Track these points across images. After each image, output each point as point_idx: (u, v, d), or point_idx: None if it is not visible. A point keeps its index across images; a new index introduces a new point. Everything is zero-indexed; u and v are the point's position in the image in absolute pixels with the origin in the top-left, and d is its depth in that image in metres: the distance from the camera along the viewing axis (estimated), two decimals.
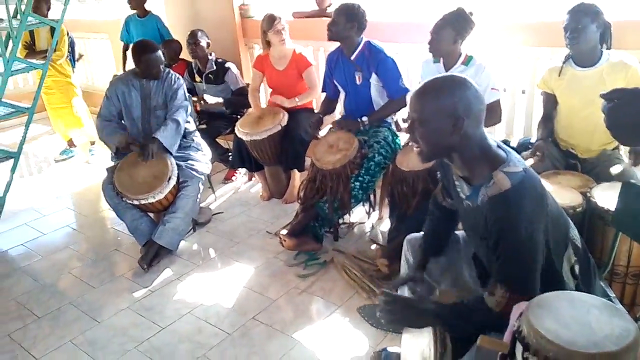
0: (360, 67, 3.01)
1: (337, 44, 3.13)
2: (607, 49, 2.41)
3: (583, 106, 2.43)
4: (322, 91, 3.42)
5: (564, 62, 2.47)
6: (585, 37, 2.31)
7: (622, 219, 1.85)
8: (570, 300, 1.22)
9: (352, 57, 3.02)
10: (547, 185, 2.22)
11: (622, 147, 2.48)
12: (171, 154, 3.12)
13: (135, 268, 3.01)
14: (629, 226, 1.83)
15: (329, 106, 3.37)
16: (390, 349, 2.18)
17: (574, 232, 1.63)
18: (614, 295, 1.73)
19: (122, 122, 3.29)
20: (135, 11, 4.55)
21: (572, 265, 1.57)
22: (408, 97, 2.93)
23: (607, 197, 2.11)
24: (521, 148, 2.86)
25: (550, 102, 2.63)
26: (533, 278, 1.43)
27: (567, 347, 1.07)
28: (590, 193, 2.18)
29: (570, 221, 1.65)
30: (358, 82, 3.05)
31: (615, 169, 2.38)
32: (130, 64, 3.92)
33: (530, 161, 2.41)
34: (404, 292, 1.94)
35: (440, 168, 1.78)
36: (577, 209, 2.10)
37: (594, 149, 2.49)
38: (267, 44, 3.54)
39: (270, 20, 3.43)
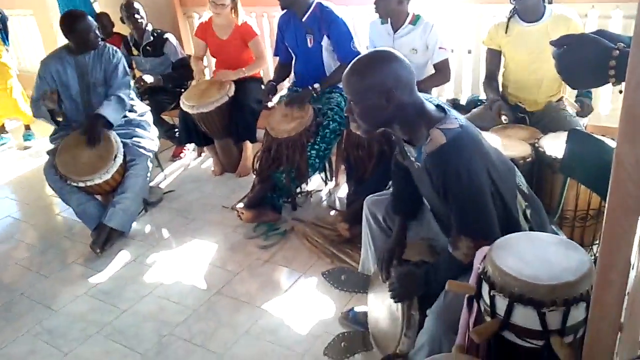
0: (311, 29, 2.95)
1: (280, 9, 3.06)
2: (549, 3, 2.47)
3: (530, 60, 2.49)
4: (275, 55, 3.34)
5: (509, 18, 2.51)
6: None
7: (569, 165, 1.94)
8: (529, 239, 1.28)
9: (304, 19, 2.95)
10: (498, 138, 2.30)
11: (565, 98, 2.57)
12: (112, 125, 2.98)
13: (88, 253, 2.90)
14: (576, 171, 1.92)
15: (282, 72, 3.29)
16: (357, 309, 2.22)
17: (521, 180, 1.70)
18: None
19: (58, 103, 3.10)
20: None
21: (524, 210, 1.64)
22: None
23: (554, 146, 2.19)
24: (470, 105, 2.93)
25: (495, 60, 2.68)
26: (490, 222, 1.49)
27: (530, 281, 1.12)
28: (538, 143, 2.26)
29: (517, 169, 1.72)
30: (310, 45, 2.99)
31: (563, 119, 2.47)
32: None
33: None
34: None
35: (387, 140, 1.81)
36: (527, 159, 2.17)
37: (541, 101, 2.57)
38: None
39: None
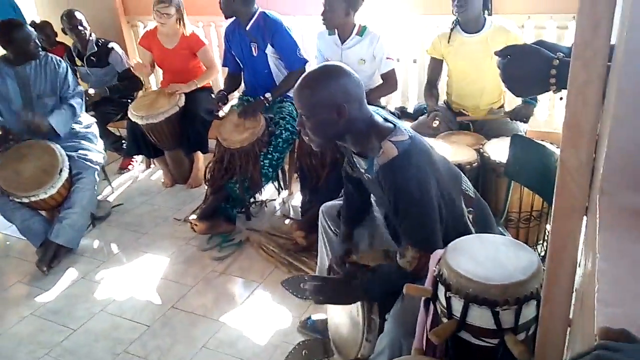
0: (255, 38, 2.97)
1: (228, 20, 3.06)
2: (488, 14, 2.60)
3: (471, 70, 2.62)
4: (224, 66, 3.32)
5: (451, 29, 2.62)
6: (471, 5, 2.47)
7: (513, 169, 2.04)
8: (480, 241, 1.34)
9: (248, 28, 2.97)
10: (445, 145, 2.39)
11: (506, 105, 2.71)
12: (59, 137, 2.90)
13: (34, 272, 2.78)
14: (519, 174, 2.03)
15: (232, 82, 3.28)
16: (315, 317, 2.24)
17: (466, 185, 1.78)
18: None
19: None
20: None
21: (468, 215, 1.72)
22: (307, 69, 2.97)
23: (498, 151, 2.30)
24: (417, 113, 3.03)
25: (437, 69, 2.80)
26: (435, 235, 1.55)
27: (484, 282, 1.18)
28: (483, 149, 2.37)
29: (462, 174, 1.80)
30: (255, 54, 3.01)
31: (503, 126, 2.59)
32: None
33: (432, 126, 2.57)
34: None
35: (337, 148, 1.85)
36: (473, 164, 2.26)
37: (483, 108, 2.70)
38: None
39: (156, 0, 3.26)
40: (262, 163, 2.86)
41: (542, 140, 2.10)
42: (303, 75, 1.59)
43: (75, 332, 2.33)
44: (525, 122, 2.58)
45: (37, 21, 4.00)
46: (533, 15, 2.86)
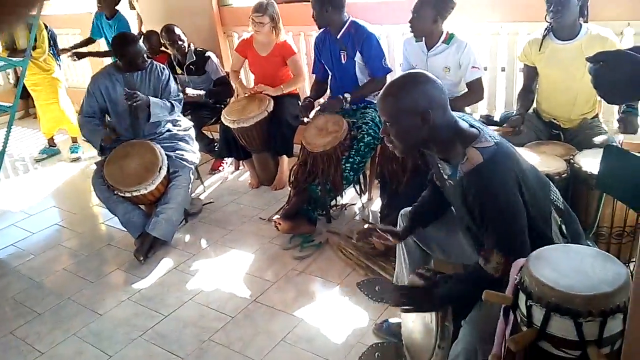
0: (345, 46, 3.07)
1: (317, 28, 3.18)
2: (584, 21, 2.50)
3: (563, 78, 2.52)
4: (313, 73, 3.45)
5: (544, 36, 2.54)
6: (568, 10, 2.38)
7: (605, 181, 1.95)
8: (565, 251, 1.31)
9: (338, 36, 3.08)
10: (533, 154, 2.33)
11: (601, 115, 2.58)
12: (155, 135, 3.16)
13: (131, 261, 3.03)
14: (612, 187, 1.93)
15: (319, 89, 3.41)
16: (391, 320, 2.26)
17: (556, 195, 1.73)
18: None
19: (106, 118, 3.29)
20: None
21: (560, 225, 1.67)
22: (389, 78, 3.01)
23: (590, 162, 2.20)
24: (504, 122, 2.95)
25: (531, 75, 2.71)
26: (522, 239, 1.53)
27: (567, 292, 1.15)
28: (574, 159, 2.27)
29: (552, 185, 1.74)
30: (343, 61, 3.11)
31: (599, 139, 2.47)
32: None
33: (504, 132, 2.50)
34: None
35: (421, 156, 1.87)
36: (563, 175, 2.19)
37: (575, 118, 2.59)
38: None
39: (253, 9, 3.45)
40: (343, 166, 2.93)
41: (638, 153, 1.99)
42: (387, 84, 1.64)
43: (166, 318, 2.53)
44: (635, 133, 2.41)
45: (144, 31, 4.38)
46: (633, 22, 2.70)
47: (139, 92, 3.07)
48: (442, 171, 1.71)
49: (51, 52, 4.62)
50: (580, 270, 1.22)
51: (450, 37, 2.80)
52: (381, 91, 1.63)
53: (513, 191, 1.51)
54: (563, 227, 1.68)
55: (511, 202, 1.50)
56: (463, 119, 1.64)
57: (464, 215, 1.71)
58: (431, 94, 1.56)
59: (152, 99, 3.11)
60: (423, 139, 1.60)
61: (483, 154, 1.52)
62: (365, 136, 2.96)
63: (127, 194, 3.01)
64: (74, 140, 4.90)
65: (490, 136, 1.58)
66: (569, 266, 1.24)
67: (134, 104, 3.05)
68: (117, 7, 4.49)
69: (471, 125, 1.62)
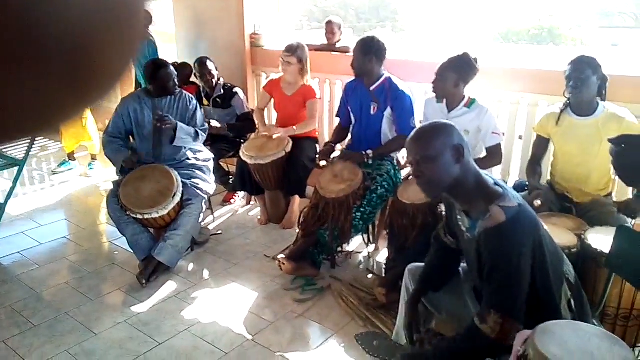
0: (377, 99, 3.15)
1: (345, 77, 3.28)
2: (602, 100, 2.56)
3: (579, 153, 2.56)
4: (337, 116, 3.53)
5: (562, 110, 2.60)
6: (587, 88, 2.45)
7: (616, 261, 1.95)
8: (573, 329, 1.31)
9: (372, 88, 3.16)
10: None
11: (614, 194, 2.60)
12: (175, 162, 3.22)
13: (132, 283, 3.03)
14: (622, 268, 1.93)
15: (341, 134, 3.47)
16: None
17: (569, 269, 1.73)
18: None
19: (129, 140, 3.37)
20: None
21: (569, 299, 1.66)
22: None
23: (601, 240, 2.20)
24: (517, 189, 2.97)
25: (542, 147, 2.77)
26: (521, 303, 1.54)
27: None
28: (584, 235, 2.28)
29: (565, 257, 1.75)
30: (372, 112, 3.18)
31: (612, 218, 2.47)
32: None
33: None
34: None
35: (445, 203, 1.89)
36: (572, 250, 2.19)
37: (588, 193, 2.61)
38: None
39: (284, 49, 3.58)
40: (354, 215, 2.95)
41: None
42: (416, 129, 1.73)
43: (159, 346, 2.50)
44: (634, 217, 2.45)
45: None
46: None
47: (169, 116, 3.15)
48: (460, 223, 1.72)
49: None
50: (587, 351, 1.21)
51: (471, 102, 2.87)
52: (410, 136, 1.69)
53: (526, 256, 1.52)
54: (572, 301, 1.67)
55: (522, 266, 1.51)
56: (488, 176, 1.67)
57: (474, 270, 1.71)
58: (459, 134, 1.65)
59: (180, 124, 3.20)
60: (454, 180, 1.62)
61: (507, 213, 1.53)
62: (379, 188, 2.99)
63: (139, 216, 3.04)
64: (93, 157, 4.99)
65: (513, 196, 1.60)
66: (576, 345, 1.23)
67: (164, 127, 3.12)
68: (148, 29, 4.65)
69: (495, 184, 1.64)
